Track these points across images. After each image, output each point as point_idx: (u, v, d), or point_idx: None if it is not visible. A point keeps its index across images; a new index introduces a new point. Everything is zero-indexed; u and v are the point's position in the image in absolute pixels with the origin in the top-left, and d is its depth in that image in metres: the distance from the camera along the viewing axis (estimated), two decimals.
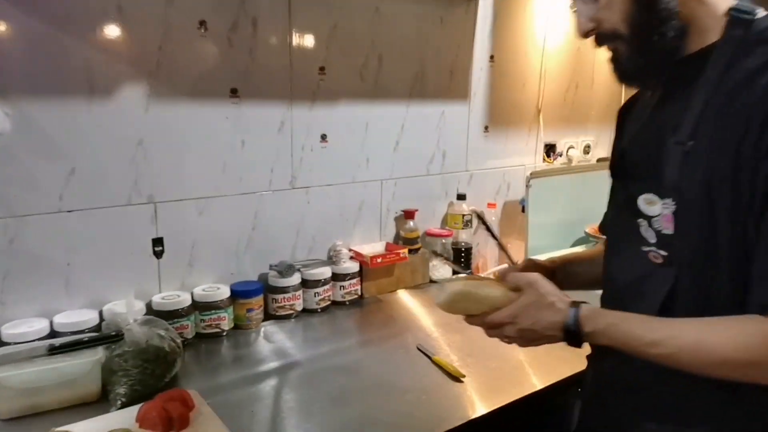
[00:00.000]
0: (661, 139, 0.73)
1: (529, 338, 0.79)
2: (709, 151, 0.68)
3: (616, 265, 0.84)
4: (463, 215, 1.65)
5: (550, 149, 1.94)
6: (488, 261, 1.79)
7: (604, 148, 2.11)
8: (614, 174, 0.88)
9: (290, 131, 1.35)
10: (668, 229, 0.72)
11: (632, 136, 0.83)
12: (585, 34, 0.79)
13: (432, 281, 1.62)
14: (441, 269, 1.63)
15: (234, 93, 1.25)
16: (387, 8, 1.45)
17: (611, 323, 0.72)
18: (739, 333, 0.65)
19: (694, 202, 0.69)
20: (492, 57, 1.70)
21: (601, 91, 2.04)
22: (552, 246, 1.79)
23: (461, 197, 1.67)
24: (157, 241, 1.19)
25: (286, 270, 1.32)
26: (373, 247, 1.52)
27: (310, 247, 1.43)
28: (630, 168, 0.81)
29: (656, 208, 0.73)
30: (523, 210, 1.74)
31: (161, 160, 1.18)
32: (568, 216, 1.87)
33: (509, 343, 0.82)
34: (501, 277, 0.87)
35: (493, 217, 1.76)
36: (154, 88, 1.15)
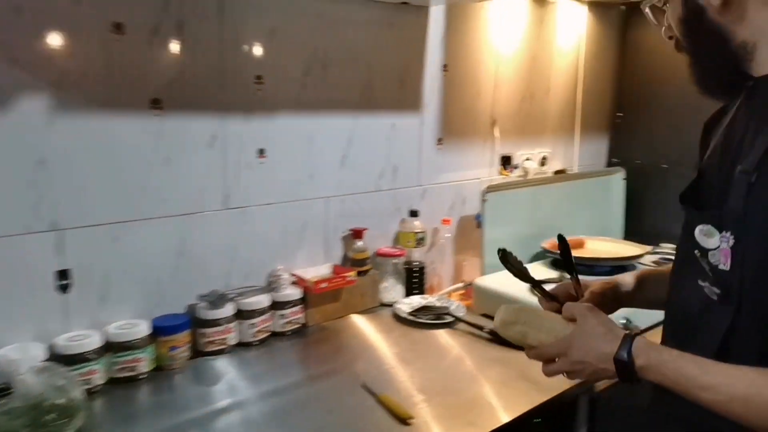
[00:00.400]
0: (728, 164, 0.69)
1: (582, 372, 0.77)
2: None
3: (675, 295, 0.80)
4: (416, 233, 1.55)
5: (506, 161, 1.87)
6: (443, 280, 1.69)
7: (560, 160, 2.05)
8: (680, 196, 0.79)
9: (223, 146, 1.22)
10: (725, 264, 0.67)
11: (710, 153, 0.78)
12: (668, 38, 0.80)
13: (384, 304, 1.51)
14: (393, 291, 1.52)
15: (156, 104, 1.12)
16: (331, 12, 1.35)
17: (665, 360, 0.69)
18: None
19: (755, 239, 0.64)
20: (445, 66, 1.61)
21: (557, 101, 1.98)
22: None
23: (414, 214, 1.57)
24: (62, 274, 1.04)
25: (217, 300, 1.19)
26: (318, 271, 1.41)
27: (247, 273, 1.30)
28: (702, 190, 0.76)
29: (714, 241, 0.68)
30: (479, 225, 1.66)
31: (67, 182, 1.03)
32: (526, 230, 1.79)
33: (570, 378, 0.80)
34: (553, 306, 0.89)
35: (447, 234, 1.67)
36: (59, 100, 1.01)
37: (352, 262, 1.46)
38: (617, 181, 2.09)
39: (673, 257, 0.84)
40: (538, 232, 1.81)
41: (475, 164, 1.77)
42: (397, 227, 1.58)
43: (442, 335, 1.35)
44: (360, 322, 1.41)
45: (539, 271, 1.63)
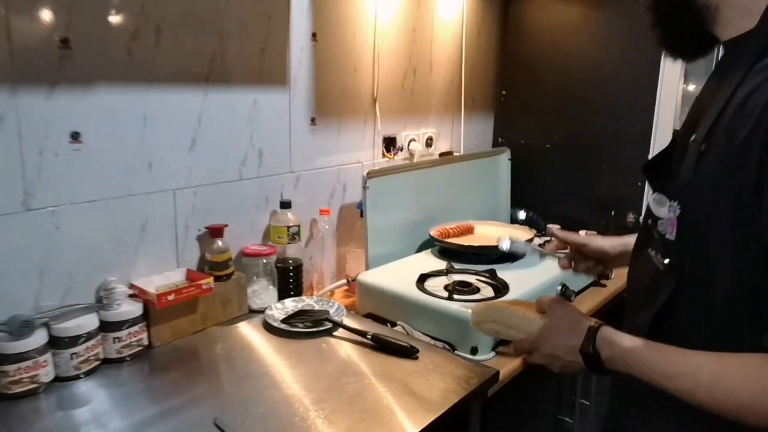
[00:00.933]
0: (688, 133, 0.68)
1: (554, 364, 0.79)
2: (720, 155, 0.62)
3: (632, 265, 0.82)
4: (289, 227, 1.35)
5: (389, 143, 1.72)
6: (325, 278, 1.51)
7: (446, 141, 1.94)
8: (643, 166, 0.79)
9: (16, 129, 0.93)
10: (671, 234, 0.68)
11: (683, 121, 0.76)
12: None
13: (253, 311, 1.30)
14: (264, 295, 1.32)
15: None
16: None
17: (629, 350, 0.69)
18: (759, 376, 0.59)
19: (700, 210, 0.64)
20: (314, 35, 1.41)
21: (441, 78, 1.86)
22: (396, 253, 1.57)
23: (285, 205, 1.37)
24: None
25: (19, 327, 0.92)
26: (167, 278, 1.16)
27: (67, 289, 1.03)
28: (657, 162, 0.77)
29: (664, 210, 0.68)
30: (362, 215, 1.49)
31: None
32: (413, 217, 1.66)
33: (547, 368, 0.81)
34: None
35: (326, 226, 1.49)
36: None
37: (210, 265, 1.23)
38: (503, 162, 2.02)
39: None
40: (426, 218, 1.69)
41: (355, 147, 1.59)
42: (267, 221, 1.38)
43: (320, 345, 1.17)
44: (223, 336, 1.19)
45: (428, 261, 1.50)
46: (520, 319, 0.85)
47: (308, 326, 1.21)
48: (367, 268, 1.50)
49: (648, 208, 0.73)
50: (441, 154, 1.81)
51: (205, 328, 1.21)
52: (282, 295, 1.36)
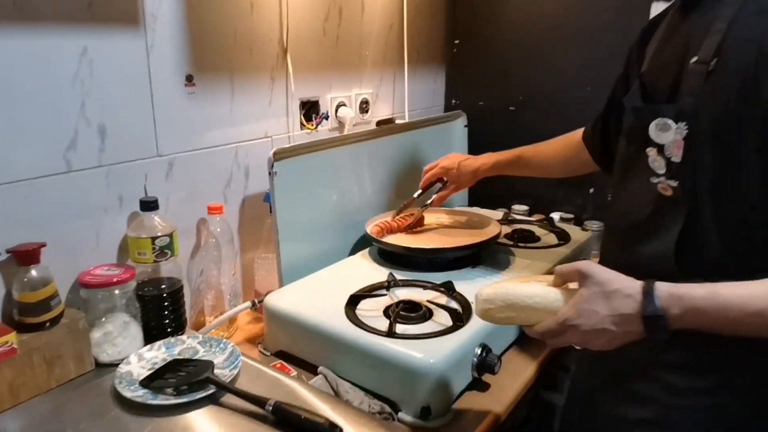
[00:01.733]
0: (683, 57, 0.68)
1: (598, 340, 0.67)
2: (739, 67, 0.62)
3: (623, 202, 0.78)
4: (154, 237, 0.93)
5: (310, 109, 1.30)
6: (224, 299, 1.10)
7: (387, 105, 1.54)
8: (625, 100, 0.78)
9: None
10: (677, 156, 0.67)
11: (651, 58, 0.77)
12: None
13: (102, 365, 0.89)
14: (120, 341, 0.90)
15: None
16: None
17: (700, 298, 0.62)
18: None
19: (711, 126, 0.64)
20: None
21: (377, 22, 1.44)
22: (321, 257, 1.18)
23: (148, 205, 0.94)
24: None
25: None
26: None
27: None
28: (648, 92, 0.74)
29: (669, 135, 0.68)
30: (271, 210, 1.09)
31: None
32: (345, 207, 1.26)
33: (583, 348, 0.72)
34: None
35: (218, 228, 1.08)
36: None
37: (20, 308, 0.80)
38: (459, 128, 1.64)
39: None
40: (361, 207, 1.29)
41: (259, 115, 1.17)
42: (124, 230, 0.95)
43: (197, 424, 0.77)
44: (42, 415, 0.78)
45: (363, 269, 1.12)
46: (539, 297, 0.71)
47: (180, 392, 0.82)
48: (281, 283, 1.11)
49: (635, 138, 0.73)
50: (379, 123, 1.40)
51: (18, 403, 0.79)
52: (151, 337, 0.95)
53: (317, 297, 1.02)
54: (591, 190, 1.55)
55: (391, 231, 1.25)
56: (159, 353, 0.91)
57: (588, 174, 1.27)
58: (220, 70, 1.06)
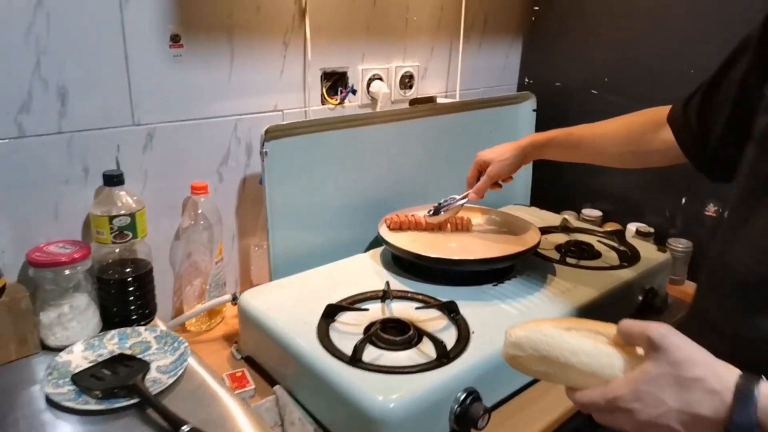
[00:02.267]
0: None
1: None
2: None
3: (748, 242, 0.58)
4: (113, 216, 0.84)
5: (337, 81, 1.15)
6: (208, 288, 1.01)
7: (439, 81, 1.34)
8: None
9: None
10: None
11: None
12: None
13: (48, 348, 0.82)
14: (74, 324, 0.83)
15: None
16: None
17: None
18: None
19: None
20: None
21: None
22: (325, 253, 1.04)
23: (112, 180, 0.85)
24: None
25: None
26: None
27: None
28: None
29: None
30: None
31: None
32: (361, 198, 1.11)
33: None
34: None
35: (200, 210, 0.97)
36: None
37: None
38: (525, 114, 1.40)
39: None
40: (386, 200, 1.13)
41: (267, 85, 1.04)
42: (89, 206, 0.87)
43: None
44: None
45: (366, 272, 0.96)
46: (587, 357, 0.54)
47: (106, 396, 0.72)
48: (272, 276, 0.99)
49: None
50: (414, 101, 1.21)
51: None
52: (113, 324, 0.87)
53: (299, 300, 0.89)
54: (683, 200, 1.25)
55: (414, 227, 1.07)
56: (110, 344, 0.83)
57: (681, 177, 1.00)
58: (216, 30, 0.94)
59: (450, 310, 0.85)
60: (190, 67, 0.92)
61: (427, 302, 0.89)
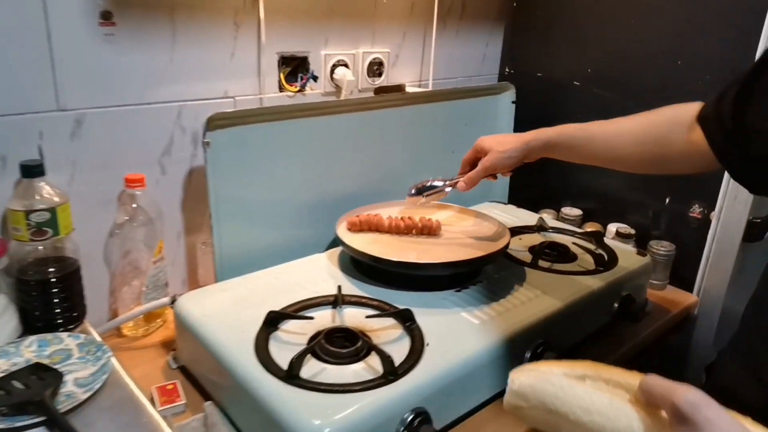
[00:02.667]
0: None
1: None
2: None
3: None
4: (29, 211, 0.76)
5: (298, 66, 1.07)
6: (167, 286, 0.93)
7: (411, 69, 1.26)
8: None
9: None
10: None
11: None
12: None
13: None
14: None
15: None
16: None
17: None
18: None
19: None
20: None
21: None
22: (277, 254, 0.97)
23: (31, 170, 0.77)
24: None
25: None
26: None
27: None
28: None
29: None
30: None
31: None
32: (321, 192, 1.04)
33: None
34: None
35: (136, 204, 0.89)
36: None
37: None
38: (503, 106, 1.32)
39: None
40: (351, 195, 1.06)
41: (216, 69, 0.96)
42: (5, 201, 0.79)
43: None
44: None
45: (319, 273, 0.88)
46: (602, 418, 0.46)
47: (12, 411, 0.65)
48: (217, 277, 0.91)
49: None
50: (379, 90, 1.14)
51: None
52: (35, 330, 0.79)
53: (241, 305, 0.81)
54: (667, 200, 1.19)
55: (376, 227, 1.00)
56: (27, 351, 0.75)
57: (665, 176, 0.92)
58: (154, 6, 0.85)
59: (405, 318, 0.78)
60: (125, 48, 0.84)
61: (382, 309, 0.82)
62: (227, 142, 0.87)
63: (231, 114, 0.86)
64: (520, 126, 1.32)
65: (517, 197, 1.35)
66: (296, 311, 0.80)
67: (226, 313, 0.80)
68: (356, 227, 0.99)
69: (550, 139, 0.84)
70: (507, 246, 0.93)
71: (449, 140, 1.21)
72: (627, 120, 0.78)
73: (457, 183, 0.92)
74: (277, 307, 0.80)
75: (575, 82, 1.30)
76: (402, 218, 1.00)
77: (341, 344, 0.73)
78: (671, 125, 0.72)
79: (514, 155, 0.85)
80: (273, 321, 0.76)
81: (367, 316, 0.78)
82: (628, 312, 0.97)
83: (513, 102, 1.33)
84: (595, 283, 0.93)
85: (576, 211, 1.30)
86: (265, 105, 1.02)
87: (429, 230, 1.00)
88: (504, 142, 0.86)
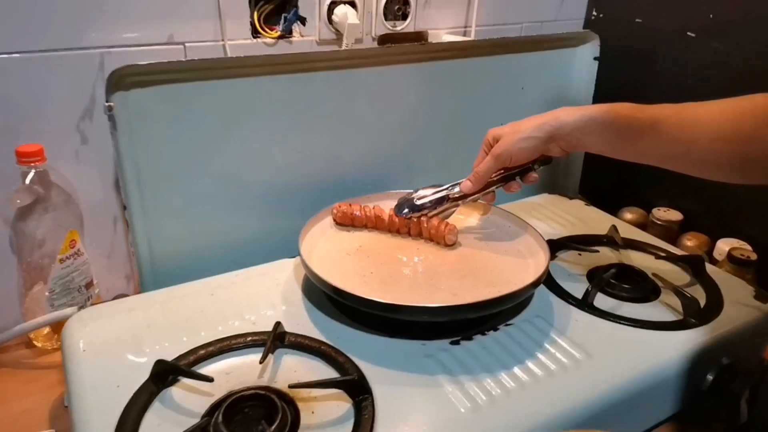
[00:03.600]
0: None
1: None
2: None
3: None
4: None
5: (285, 4, 0.80)
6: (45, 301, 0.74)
7: (456, 10, 0.94)
8: None
9: None
10: None
11: None
12: None
13: None
14: None
15: None
16: None
17: None
18: None
19: None
20: None
21: None
22: (227, 258, 0.74)
23: None
24: None
25: None
26: None
27: None
28: None
29: None
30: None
31: None
32: (291, 178, 0.79)
33: None
34: None
35: (35, 184, 0.68)
36: None
37: None
38: (582, 63, 0.98)
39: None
40: (330, 184, 0.80)
41: (156, 7, 0.71)
42: None
43: None
44: None
45: (275, 301, 0.64)
46: None
47: None
48: (141, 287, 0.70)
49: None
50: (384, 39, 0.83)
51: None
52: None
53: (140, 339, 0.60)
54: None
55: (373, 223, 0.74)
56: None
57: None
58: None
59: (355, 391, 0.52)
60: None
61: (332, 361, 0.56)
62: (151, 106, 0.63)
63: (152, 68, 0.62)
64: (602, 92, 0.97)
65: (593, 189, 1.02)
66: (208, 356, 0.57)
67: (114, 348, 0.58)
68: (347, 219, 0.74)
69: (592, 119, 0.59)
70: (536, 283, 0.62)
71: (496, 112, 0.90)
72: (706, 106, 0.57)
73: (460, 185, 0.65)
74: (193, 343, 0.57)
75: (689, 33, 0.92)
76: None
77: (254, 420, 0.49)
78: (762, 117, 0.52)
79: (534, 136, 0.62)
80: (162, 375, 0.53)
81: (297, 385, 0.53)
82: (726, 391, 0.64)
83: (595, 58, 0.97)
84: (679, 341, 0.61)
85: (674, 215, 0.95)
86: (232, 55, 0.77)
87: (437, 236, 0.72)
88: (520, 123, 0.64)
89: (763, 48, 0.82)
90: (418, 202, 0.72)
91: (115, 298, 0.70)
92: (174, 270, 0.71)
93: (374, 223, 0.75)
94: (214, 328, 0.61)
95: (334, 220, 0.75)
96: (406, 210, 0.73)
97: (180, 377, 0.54)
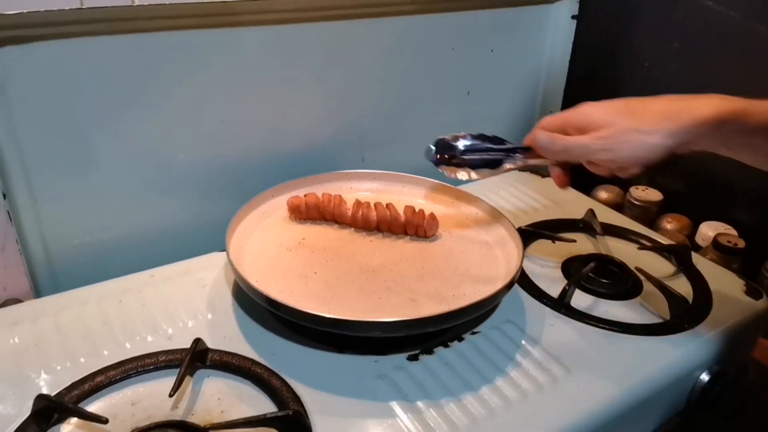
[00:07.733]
0: None
1: None
2: None
3: None
4: None
5: None
6: None
7: None
8: None
9: None
10: None
11: None
12: None
13: None
14: None
15: None
16: None
17: None
18: None
19: None
20: None
21: None
22: (147, 252, 0.64)
23: None
24: None
25: None
26: None
27: None
28: None
29: None
30: None
31: None
32: (223, 155, 0.69)
33: None
34: None
35: None
36: None
37: None
38: (559, 20, 0.89)
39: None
40: (269, 164, 0.70)
41: None
42: None
43: None
44: None
45: (200, 307, 0.54)
46: None
47: None
48: (35, 290, 0.60)
49: None
50: None
51: None
52: None
53: (19, 365, 0.50)
54: None
55: (332, 216, 0.65)
56: None
57: None
58: None
59: (291, 428, 0.44)
60: None
61: (266, 387, 0.48)
62: (34, 67, 0.52)
63: (32, 18, 0.50)
64: (578, 59, 0.89)
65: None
66: (108, 383, 0.48)
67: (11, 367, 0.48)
68: (301, 215, 0.65)
69: (721, 117, 0.45)
70: (502, 292, 0.55)
71: (463, 76, 0.81)
72: None
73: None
74: (92, 366, 0.48)
75: None
76: (376, 205, 0.65)
77: None
78: None
79: (662, 144, 0.46)
80: (45, 413, 0.44)
81: (213, 426, 0.44)
82: (715, 399, 0.59)
83: (573, 17, 0.89)
84: (666, 351, 0.55)
85: (653, 194, 0.89)
86: (140, 3, 0.65)
87: (419, 229, 0.64)
88: (640, 113, 0.48)
89: (761, 7, 0.76)
90: (466, 157, 0.58)
91: (4, 304, 0.59)
92: (76, 270, 0.61)
93: (335, 215, 0.66)
94: (119, 346, 0.52)
95: (290, 210, 0.66)
96: (433, 151, 0.59)
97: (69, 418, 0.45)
